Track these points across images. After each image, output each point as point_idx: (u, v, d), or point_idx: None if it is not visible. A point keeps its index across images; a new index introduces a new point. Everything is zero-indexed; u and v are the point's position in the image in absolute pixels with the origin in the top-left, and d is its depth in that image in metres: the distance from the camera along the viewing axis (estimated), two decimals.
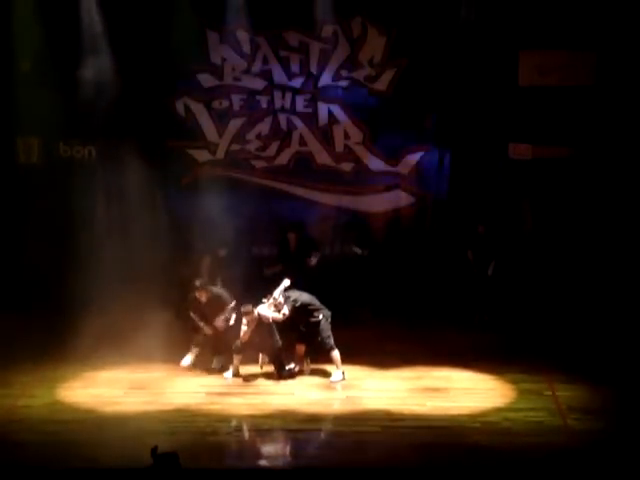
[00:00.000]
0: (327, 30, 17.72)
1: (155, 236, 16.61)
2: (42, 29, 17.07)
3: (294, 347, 14.60)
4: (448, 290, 17.24)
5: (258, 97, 18.04)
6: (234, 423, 12.68)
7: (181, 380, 14.34)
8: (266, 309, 14.25)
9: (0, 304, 16.36)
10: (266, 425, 12.59)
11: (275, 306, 14.20)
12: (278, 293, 14.25)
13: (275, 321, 14.25)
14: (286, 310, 14.17)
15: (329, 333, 14.24)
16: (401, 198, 18.09)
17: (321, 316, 14.25)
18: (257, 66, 17.93)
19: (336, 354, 14.22)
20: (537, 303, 16.68)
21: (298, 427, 12.53)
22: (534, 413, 12.80)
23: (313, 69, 17.93)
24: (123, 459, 11.09)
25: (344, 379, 14.11)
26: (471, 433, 12.13)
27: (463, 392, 13.65)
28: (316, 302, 14.40)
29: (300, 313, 14.32)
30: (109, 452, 11.57)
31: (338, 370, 14.19)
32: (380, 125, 17.93)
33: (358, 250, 17.46)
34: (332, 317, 14.34)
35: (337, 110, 18.00)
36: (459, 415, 12.72)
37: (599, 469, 11.02)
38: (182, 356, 14.90)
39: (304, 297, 14.41)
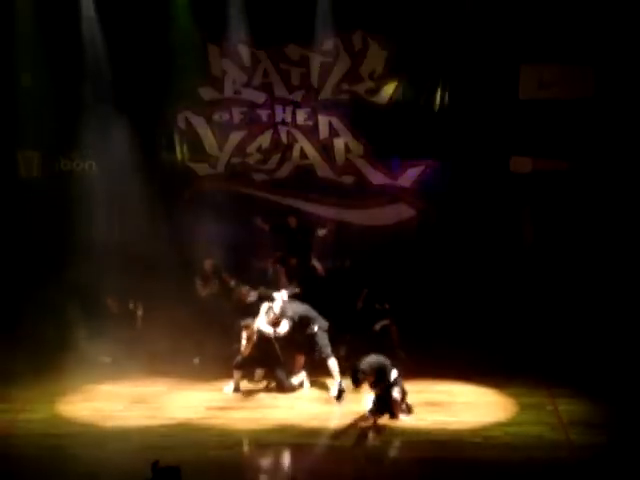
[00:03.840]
0: (328, 44, 17.74)
1: (156, 250, 16.62)
2: (43, 44, 17.12)
3: (294, 360, 14.58)
4: (449, 304, 17.19)
5: (259, 110, 18.06)
6: (235, 437, 12.64)
7: (182, 394, 14.32)
8: (265, 324, 14.25)
9: (1, 317, 16.34)
10: (266, 439, 12.57)
11: (274, 322, 14.23)
12: (278, 309, 14.27)
13: (276, 336, 14.26)
14: (286, 326, 14.18)
15: (326, 342, 14.25)
16: (402, 211, 18.10)
17: (316, 328, 14.26)
18: (258, 79, 17.96)
19: (333, 363, 14.21)
20: (538, 317, 16.63)
21: (298, 441, 12.50)
22: (536, 427, 12.75)
23: (314, 82, 17.95)
24: (124, 474, 11.06)
25: (344, 390, 14.06)
26: (472, 448, 12.08)
27: (464, 406, 13.61)
28: (312, 313, 14.41)
29: (298, 325, 14.33)
30: (110, 466, 11.54)
31: (336, 380, 14.15)
32: (381, 138, 17.92)
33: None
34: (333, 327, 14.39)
35: (338, 123, 18.00)
36: (460, 429, 12.67)
37: None
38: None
39: (300, 309, 14.42)
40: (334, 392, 14.13)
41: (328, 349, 14.23)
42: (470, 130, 17.45)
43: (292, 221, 17.16)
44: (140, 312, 16.41)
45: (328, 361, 14.23)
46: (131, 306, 16.39)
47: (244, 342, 14.27)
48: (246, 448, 12.44)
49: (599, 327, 15.98)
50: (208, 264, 16.57)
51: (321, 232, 17.06)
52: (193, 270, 16.73)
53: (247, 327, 14.22)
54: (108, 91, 17.34)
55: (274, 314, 14.19)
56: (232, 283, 16.13)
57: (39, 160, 17.93)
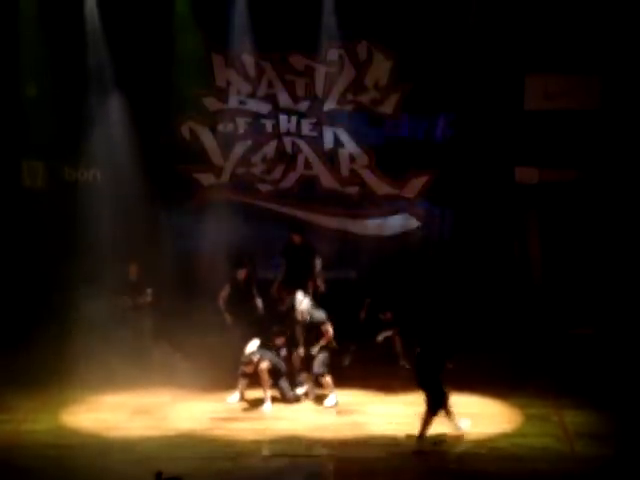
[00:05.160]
0: (332, 54, 17.76)
1: (160, 260, 16.62)
2: (48, 54, 17.15)
3: (299, 371, 14.58)
4: (454, 314, 17.15)
5: (263, 120, 18.07)
6: (238, 448, 12.60)
7: (185, 405, 14.29)
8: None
9: (5, 327, 16.33)
10: (271, 450, 12.53)
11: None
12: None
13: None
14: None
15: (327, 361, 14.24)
16: (407, 222, 18.08)
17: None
18: (262, 90, 17.97)
19: (328, 379, 14.21)
20: (543, 327, 16.60)
21: (303, 452, 12.46)
22: (541, 439, 12.71)
23: (318, 93, 17.96)
24: None
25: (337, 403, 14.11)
26: (478, 459, 12.05)
27: (469, 417, 13.55)
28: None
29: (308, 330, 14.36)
30: (113, 477, 11.53)
31: (332, 394, 14.15)
32: (386, 149, 17.93)
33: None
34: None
35: (342, 134, 18.01)
36: (465, 440, 12.63)
37: None
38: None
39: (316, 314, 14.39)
40: (330, 402, 14.11)
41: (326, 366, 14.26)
42: (476, 141, 17.44)
43: (296, 238, 16.91)
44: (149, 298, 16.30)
45: (323, 378, 14.22)
46: (148, 297, 16.27)
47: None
48: (250, 459, 12.39)
49: (605, 338, 15.95)
50: (242, 274, 16.14)
51: (318, 264, 16.69)
52: (196, 278, 16.72)
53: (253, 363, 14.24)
54: (112, 101, 17.39)
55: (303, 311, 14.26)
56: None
57: (44, 170, 17.93)
